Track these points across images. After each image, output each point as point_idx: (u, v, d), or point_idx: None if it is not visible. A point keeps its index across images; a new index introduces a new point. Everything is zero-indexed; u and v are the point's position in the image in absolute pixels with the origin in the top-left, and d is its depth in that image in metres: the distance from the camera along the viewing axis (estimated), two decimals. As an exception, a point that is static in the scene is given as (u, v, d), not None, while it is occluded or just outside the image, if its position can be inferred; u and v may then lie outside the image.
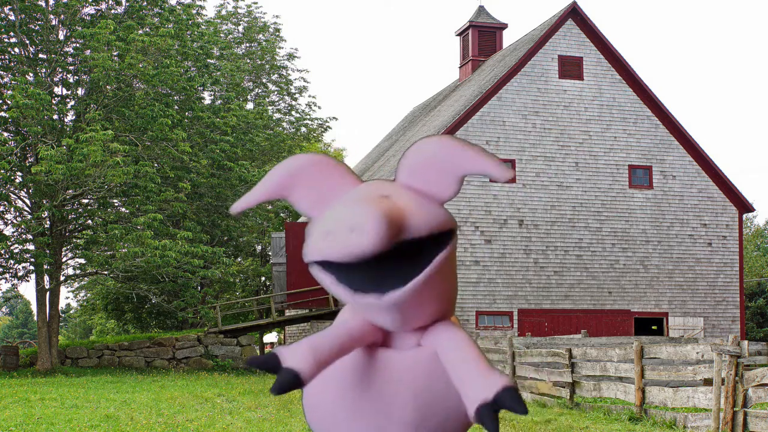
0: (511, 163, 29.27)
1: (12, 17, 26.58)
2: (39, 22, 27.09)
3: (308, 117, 46.84)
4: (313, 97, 58.38)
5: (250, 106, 43.23)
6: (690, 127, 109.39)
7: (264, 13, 53.34)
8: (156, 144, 27.14)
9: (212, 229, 34.86)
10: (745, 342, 11.05)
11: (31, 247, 26.57)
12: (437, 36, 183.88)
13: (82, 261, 29.26)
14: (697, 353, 12.11)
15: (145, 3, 29.04)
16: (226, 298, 41.89)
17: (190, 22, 30.86)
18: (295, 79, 46.85)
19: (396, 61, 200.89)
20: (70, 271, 30.59)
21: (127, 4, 28.86)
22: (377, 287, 2.01)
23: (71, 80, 27.83)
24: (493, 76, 30.70)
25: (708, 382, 11.99)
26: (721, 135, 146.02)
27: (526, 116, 29.62)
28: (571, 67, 30.13)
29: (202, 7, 33.93)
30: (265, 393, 17.89)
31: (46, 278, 26.78)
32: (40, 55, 27.55)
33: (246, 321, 38.20)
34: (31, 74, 26.57)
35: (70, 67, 27.60)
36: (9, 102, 25.29)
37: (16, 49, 27.07)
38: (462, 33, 36.74)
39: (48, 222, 26.83)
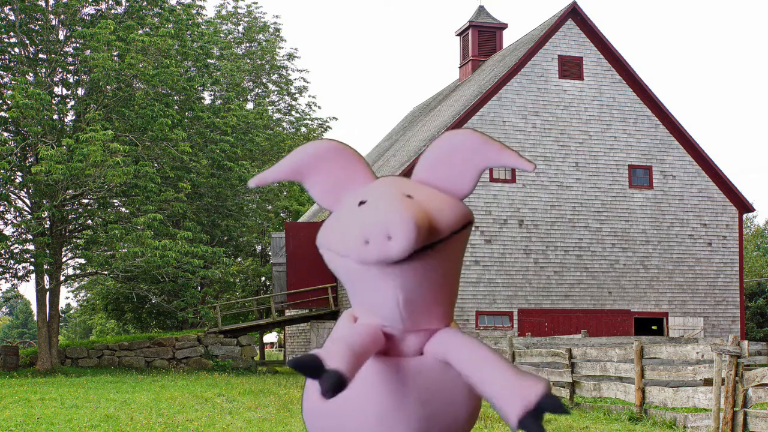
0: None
1: (12, 17, 26.58)
2: (39, 22, 27.09)
3: (308, 117, 46.85)
4: (313, 97, 58.43)
5: (250, 106, 43.22)
6: (690, 127, 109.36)
7: (264, 13, 53.36)
8: (156, 144, 27.14)
9: (212, 229, 34.86)
10: (745, 342, 11.05)
11: (31, 247, 26.57)
12: (437, 36, 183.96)
13: (82, 261, 29.26)
14: (697, 353, 12.11)
15: (145, 3, 29.04)
16: (226, 298, 41.89)
17: (190, 22, 30.86)
18: (295, 79, 46.87)
19: (396, 61, 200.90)
20: (70, 271, 30.62)
21: (127, 4, 28.86)
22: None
23: (71, 80, 27.83)
24: (493, 76, 30.70)
25: (708, 382, 11.99)
26: (721, 135, 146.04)
27: (526, 116, 29.62)
28: (571, 67, 30.12)
29: (202, 7, 33.94)
30: (265, 393, 17.88)
31: (46, 278, 26.79)
32: (40, 55, 27.55)
33: (246, 321, 38.21)
34: (31, 74, 26.57)
35: (70, 67, 27.60)
36: (9, 102, 25.29)
37: (16, 49, 27.07)
38: (462, 33, 36.74)
39: (48, 222, 26.82)
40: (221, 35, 41.59)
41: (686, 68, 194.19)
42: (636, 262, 30.04)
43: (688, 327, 30.08)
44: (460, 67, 37.54)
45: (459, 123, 28.94)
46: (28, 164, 26.32)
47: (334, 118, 47.75)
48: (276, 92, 46.05)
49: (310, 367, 1.99)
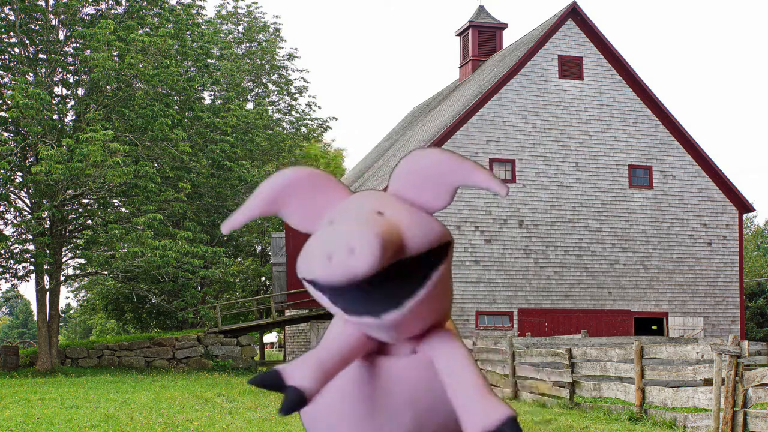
0: (511, 163, 29.29)
1: (12, 17, 26.58)
2: (39, 22, 27.09)
3: (308, 117, 46.81)
4: (313, 97, 58.33)
5: (250, 106, 43.20)
6: (690, 127, 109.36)
7: (264, 13, 53.30)
8: (156, 144, 27.14)
9: (212, 229, 34.86)
10: (745, 342, 11.04)
11: (31, 247, 26.56)
12: (437, 36, 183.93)
13: (82, 261, 29.26)
14: (697, 353, 12.11)
15: (145, 3, 29.04)
16: (226, 298, 41.88)
17: (190, 22, 30.86)
18: (295, 79, 46.81)
19: (396, 61, 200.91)
20: (70, 271, 30.62)
21: (127, 4, 28.86)
22: (372, 309, 2.01)
23: (71, 80, 27.83)
24: (493, 76, 30.70)
25: (708, 382, 11.99)
26: (721, 135, 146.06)
27: (526, 116, 29.62)
28: (571, 67, 30.12)
29: (202, 7, 33.92)
30: (265, 393, 17.89)
31: (46, 278, 26.78)
32: (40, 55, 27.55)
33: (246, 321, 38.20)
34: (31, 74, 26.57)
35: (70, 67, 27.60)
36: (9, 102, 25.29)
37: (16, 49, 27.07)
38: (462, 33, 36.74)
39: (48, 222, 26.82)
40: (221, 35, 41.57)
41: (686, 68, 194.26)
42: (636, 262, 30.04)
43: (688, 327, 30.07)
44: (460, 67, 37.54)
45: (459, 123, 28.95)
46: (28, 164, 26.32)
47: (334, 118, 47.71)
48: (276, 92, 46.03)
49: (270, 385, 2.00)
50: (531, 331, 28.19)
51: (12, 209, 27.51)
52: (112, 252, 27.05)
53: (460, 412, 2.06)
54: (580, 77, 30.17)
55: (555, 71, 29.99)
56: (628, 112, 30.45)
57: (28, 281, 29.31)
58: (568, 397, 15.42)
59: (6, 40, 26.98)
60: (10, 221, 28.15)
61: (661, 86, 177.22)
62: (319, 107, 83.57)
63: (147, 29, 27.98)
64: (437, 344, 2.18)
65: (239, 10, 45.48)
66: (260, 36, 45.44)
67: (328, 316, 30.09)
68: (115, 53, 26.29)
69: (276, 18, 62.15)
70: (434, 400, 2.20)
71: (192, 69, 31.65)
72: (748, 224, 55.21)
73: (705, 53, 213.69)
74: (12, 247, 26.74)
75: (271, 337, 66.59)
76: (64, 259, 28.19)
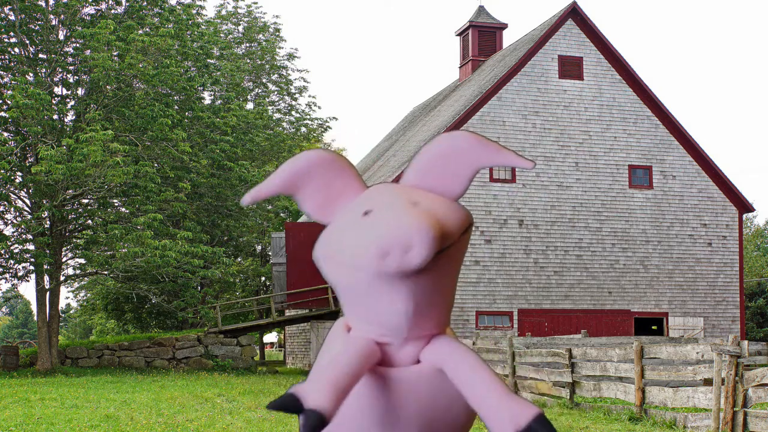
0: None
1: (12, 17, 26.58)
2: (39, 22, 27.08)
3: (308, 117, 46.83)
4: (313, 97, 58.38)
5: (250, 106, 43.21)
6: (690, 127, 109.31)
7: (264, 13, 53.33)
8: (156, 144, 27.14)
9: (212, 229, 34.87)
10: (745, 342, 11.05)
11: (31, 247, 26.56)
12: (437, 36, 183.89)
13: (82, 261, 29.26)
14: (697, 353, 12.11)
15: (145, 3, 29.03)
16: (226, 298, 41.88)
17: (190, 22, 30.85)
18: (295, 79, 46.84)
19: (396, 61, 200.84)
20: (70, 271, 30.61)
21: (127, 4, 28.85)
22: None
23: (71, 80, 27.82)
24: (493, 76, 30.70)
25: (708, 382, 11.99)
26: (721, 135, 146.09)
27: (526, 116, 29.62)
28: (571, 67, 30.13)
29: (202, 7, 33.92)
30: (265, 393, 17.89)
31: (46, 278, 26.78)
32: (40, 55, 27.54)
33: (246, 321, 38.19)
34: (31, 74, 26.56)
35: (70, 67, 27.60)
36: (9, 102, 25.28)
37: (16, 49, 27.07)
38: (462, 33, 36.74)
39: (48, 222, 26.82)
40: (221, 35, 41.57)
41: (686, 68, 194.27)
42: (636, 262, 30.05)
43: (688, 327, 30.08)
44: (460, 67, 37.54)
45: (459, 123, 28.94)
46: (28, 164, 26.31)
47: (334, 118, 47.75)
48: (276, 92, 46.04)
49: (289, 408, 1.99)
50: (531, 331, 28.19)
51: (12, 209, 27.51)
52: (112, 252, 27.05)
53: (486, 417, 2.07)
54: (580, 77, 30.18)
55: (555, 71, 30.00)
56: (628, 112, 30.46)
57: (28, 281, 29.32)
58: (568, 397, 15.42)
59: (6, 40, 26.98)
60: (10, 221, 28.16)
61: (661, 86, 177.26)
62: (319, 107, 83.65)
63: (147, 29, 27.98)
64: (443, 350, 2.18)
65: (239, 10, 45.49)
66: (260, 36, 45.46)
67: (328, 316, 30.09)
68: (115, 53, 26.29)
69: (276, 18, 62.21)
70: (440, 409, 2.20)
71: (192, 69, 31.65)
72: (748, 224, 55.22)
73: (705, 53, 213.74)
74: (12, 247, 26.74)
75: (271, 337, 66.63)
76: (64, 259, 28.18)
